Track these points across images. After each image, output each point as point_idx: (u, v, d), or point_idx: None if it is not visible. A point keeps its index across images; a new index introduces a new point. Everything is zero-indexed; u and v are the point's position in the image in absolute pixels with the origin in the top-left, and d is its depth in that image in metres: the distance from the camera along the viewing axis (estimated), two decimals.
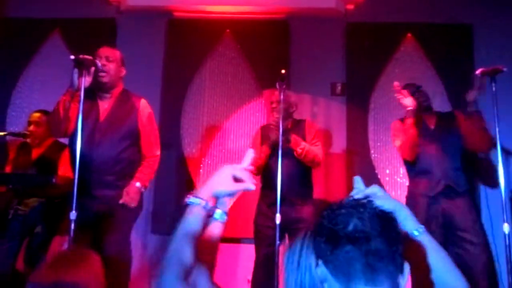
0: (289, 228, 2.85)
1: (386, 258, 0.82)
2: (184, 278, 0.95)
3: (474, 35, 3.96)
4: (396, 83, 2.81)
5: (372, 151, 3.90)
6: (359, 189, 1.13)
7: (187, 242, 0.99)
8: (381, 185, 3.52)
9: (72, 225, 2.20)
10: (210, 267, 1.11)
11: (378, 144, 3.87)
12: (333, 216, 0.86)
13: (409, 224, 1.10)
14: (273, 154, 2.90)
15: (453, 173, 2.80)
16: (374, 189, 1.12)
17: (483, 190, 3.43)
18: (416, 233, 1.08)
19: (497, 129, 2.55)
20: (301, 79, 3.90)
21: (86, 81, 2.36)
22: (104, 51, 2.60)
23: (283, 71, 2.72)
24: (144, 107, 2.69)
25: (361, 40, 4.04)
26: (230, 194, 1.11)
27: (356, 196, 1.14)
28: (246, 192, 1.17)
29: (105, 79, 2.56)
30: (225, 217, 1.14)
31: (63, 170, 3.06)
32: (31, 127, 3.25)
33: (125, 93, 2.67)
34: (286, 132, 2.89)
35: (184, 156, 3.97)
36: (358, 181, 1.15)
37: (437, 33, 4.02)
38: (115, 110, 2.60)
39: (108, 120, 2.56)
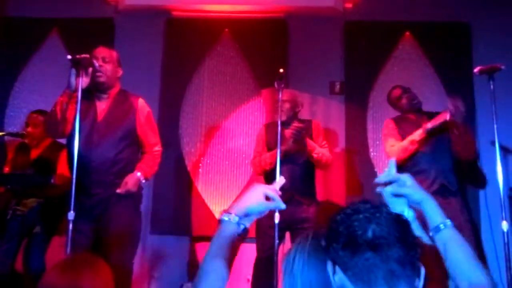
0: (294, 228, 2.85)
1: (405, 264, 0.82)
2: None
3: (473, 34, 3.97)
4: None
5: (371, 150, 3.90)
6: (389, 173, 1.13)
7: (221, 258, 1.02)
8: None
9: (70, 226, 2.19)
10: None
11: (377, 142, 3.86)
12: (349, 222, 0.85)
13: (435, 217, 1.08)
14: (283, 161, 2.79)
15: (447, 172, 2.84)
16: (405, 177, 1.10)
17: None
18: (442, 226, 1.06)
19: (495, 127, 2.56)
20: (300, 78, 3.89)
21: (83, 81, 2.34)
22: (101, 51, 2.58)
23: (281, 70, 2.71)
24: (143, 106, 2.67)
25: (360, 39, 4.04)
26: (261, 212, 1.12)
27: (383, 178, 1.13)
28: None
29: (102, 79, 2.54)
30: (247, 233, 1.14)
31: (62, 170, 3.05)
32: (29, 128, 3.24)
33: (123, 93, 2.66)
34: (302, 136, 2.89)
35: (183, 156, 3.96)
36: (392, 165, 1.14)
37: (436, 31, 4.03)
38: (112, 110, 2.58)
39: (106, 120, 2.55)
